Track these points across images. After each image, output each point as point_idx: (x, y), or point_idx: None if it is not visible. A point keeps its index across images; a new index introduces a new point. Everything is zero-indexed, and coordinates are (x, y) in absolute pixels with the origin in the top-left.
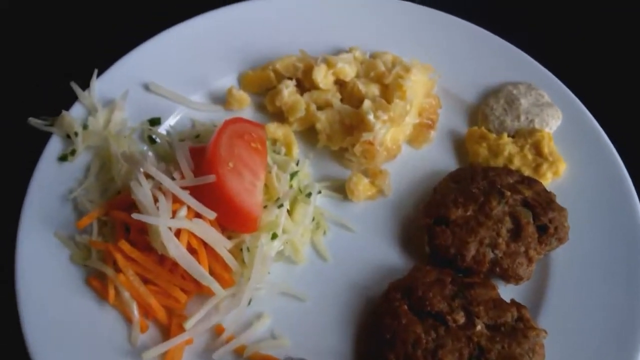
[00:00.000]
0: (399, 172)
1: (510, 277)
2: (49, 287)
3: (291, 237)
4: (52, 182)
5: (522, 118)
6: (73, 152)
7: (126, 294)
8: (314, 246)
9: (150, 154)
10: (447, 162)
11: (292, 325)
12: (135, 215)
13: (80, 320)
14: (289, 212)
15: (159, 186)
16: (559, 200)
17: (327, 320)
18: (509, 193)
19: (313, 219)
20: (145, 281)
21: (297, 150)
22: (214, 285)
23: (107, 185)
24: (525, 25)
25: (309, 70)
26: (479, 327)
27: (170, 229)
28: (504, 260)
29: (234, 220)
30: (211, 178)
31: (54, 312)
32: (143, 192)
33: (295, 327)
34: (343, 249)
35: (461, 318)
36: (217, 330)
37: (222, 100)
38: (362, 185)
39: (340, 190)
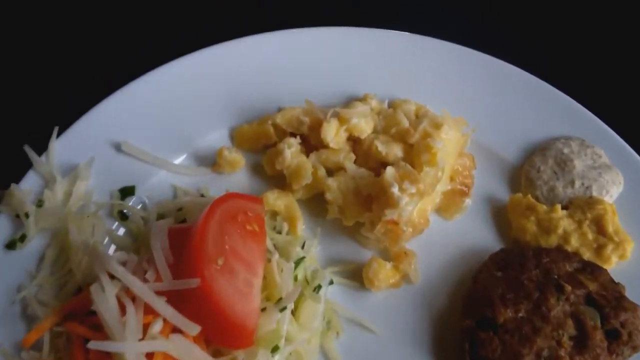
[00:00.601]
0: (427, 251)
1: None
2: None
3: (296, 347)
4: None
5: (577, 184)
6: (23, 238)
7: None
8: (324, 354)
9: (121, 230)
10: (485, 238)
11: None
12: (92, 344)
13: None
14: (293, 313)
15: (127, 290)
16: (629, 292)
17: None
18: (569, 288)
19: (323, 318)
20: None
21: (302, 226)
22: None
23: (64, 280)
24: (577, 69)
25: (316, 126)
26: None
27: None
28: None
29: (223, 334)
30: (194, 282)
31: None
32: (106, 302)
33: None
34: (360, 356)
35: None
36: None
37: (210, 160)
38: (383, 273)
39: (356, 277)
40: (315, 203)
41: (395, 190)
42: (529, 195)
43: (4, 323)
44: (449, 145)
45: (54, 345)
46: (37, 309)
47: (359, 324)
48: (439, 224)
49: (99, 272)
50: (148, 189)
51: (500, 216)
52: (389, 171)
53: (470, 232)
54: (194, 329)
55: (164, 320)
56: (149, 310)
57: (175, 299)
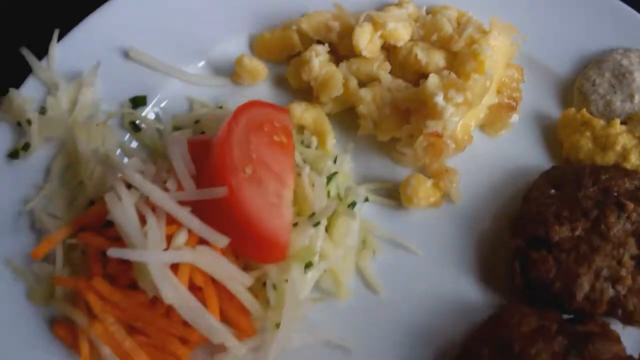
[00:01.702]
0: (469, 170)
1: (635, 322)
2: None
3: (331, 265)
4: None
5: (637, 98)
6: (26, 147)
7: (105, 350)
8: (360, 274)
9: (134, 144)
10: (533, 157)
11: None
12: (111, 252)
13: None
14: (327, 229)
15: (146, 200)
16: None
17: None
18: (631, 205)
19: (358, 237)
20: (131, 330)
21: (332, 141)
22: (229, 340)
23: (74, 192)
24: None
25: (347, 33)
26: None
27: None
28: (629, 299)
29: (254, 247)
30: (221, 191)
31: None
32: (123, 210)
33: None
34: (399, 277)
35: None
36: None
37: (229, 71)
38: (423, 191)
39: (393, 194)
40: (346, 118)
41: (439, 99)
42: (584, 110)
43: (12, 237)
44: (497, 54)
45: (68, 259)
46: (46, 221)
47: (396, 244)
48: (482, 141)
49: (114, 181)
50: (161, 101)
51: (550, 134)
52: (432, 79)
53: (517, 151)
54: (223, 240)
55: (189, 232)
56: (171, 222)
57: (199, 211)
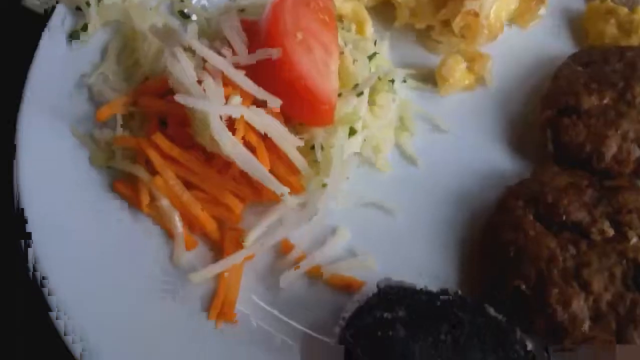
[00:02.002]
0: (501, 57)
1: None
2: (64, 199)
3: (373, 134)
4: (59, 67)
5: None
6: (85, 28)
7: (165, 202)
8: (399, 149)
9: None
10: (561, 46)
11: (379, 243)
12: (178, 97)
13: (106, 236)
14: (369, 105)
15: (203, 66)
16: None
17: (423, 236)
18: None
19: (397, 115)
20: (189, 186)
21: (370, 29)
22: (280, 189)
23: (130, 71)
24: None
25: None
26: (634, 240)
27: (222, 118)
28: None
29: (304, 108)
30: (275, 52)
31: (72, 229)
32: (182, 69)
33: (383, 246)
34: (436, 151)
35: (609, 230)
36: (284, 249)
37: None
38: (458, 71)
39: (429, 79)
40: (382, 10)
41: None
42: (608, 0)
43: (74, 108)
44: None
45: (127, 126)
46: (106, 92)
47: (433, 124)
48: (512, 32)
49: (173, 47)
50: None
51: (576, 25)
52: None
53: (545, 40)
54: (276, 101)
55: (244, 93)
56: (227, 84)
57: (253, 76)
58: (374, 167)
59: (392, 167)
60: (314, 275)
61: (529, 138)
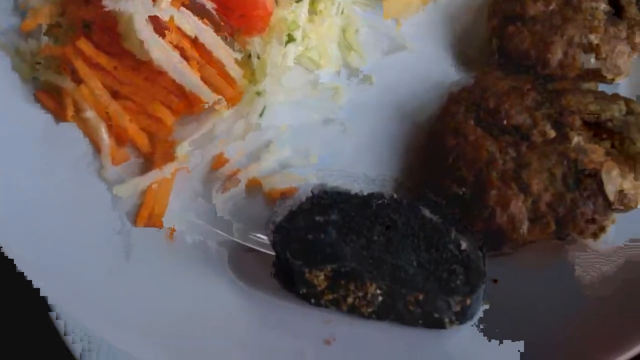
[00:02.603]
0: None
1: (607, 70)
2: None
3: (314, 44)
4: None
5: None
6: None
7: (91, 113)
8: (344, 61)
9: None
10: None
11: (322, 154)
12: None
13: (29, 150)
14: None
15: None
16: None
17: (366, 150)
18: None
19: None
20: (117, 96)
21: None
22: (213, 98)
23: None
24: None
25: None
26: (575, 141)
27: (149, 22)
28: (601, 47)
29: (238, 11)
30: None
31: None
32: None
33: (326, 157)
34: (381, 66)
35: (551, 132)
36: (218, 163)
37: None
38: None
39: None
40: None
41: None
42: None
43: None
44: None
45: (53, 35)
46: (32, 1)
47: (377, 40)
48: None
49: None
50: None
51: None
52: None
53: None
54: (208, 3)
55: None
56: None
57: None
58: (316, 82)
59: (335, 82)
60: (251, 189)
61: (477, 50)
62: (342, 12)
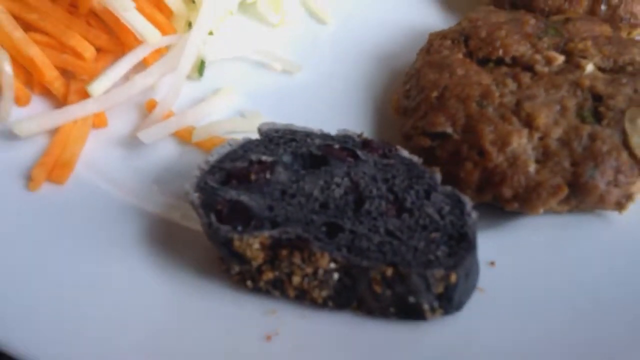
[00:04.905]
0: None
1: (621, 19)
2: None
3: None
4: None
5: None
6: None
7: None
8: (305, 5)
9: None
10: None
11: (275, 105)
12: None
13: None
14: None
15: None
16: None
17: (331, 98)
18: None
19: None
20: (26, 27)
21: None
22: (139, 22)
23: None
24: None
25: None
26: (589, 68)
27: None
28: None
29: None
30: None
31: None
32: None
33: (280, 109)
34: (350, 9)
35: (558, 58)
36: (148, 107)
37: None
38: None
39: None
40: None
41: None
42: None
43: None
44: None
45: None
46: None
47: None
48: None
49: None
50: None
51: None
52: None
53: None
54: None
55: None
56: None
57: None
58: (271, 23)
59: (295, 24)
60: (183, 138)
61: None
62: None
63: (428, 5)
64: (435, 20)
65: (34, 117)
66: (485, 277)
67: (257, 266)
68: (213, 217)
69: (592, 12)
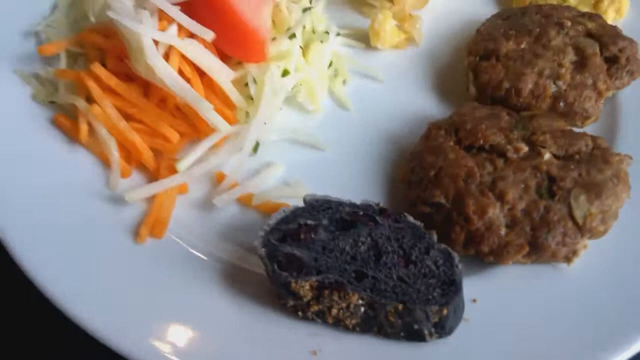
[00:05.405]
0: (431, 21)
1: (575, 113)
2: (8, 131)
3: (305, 78)
4: (9, 16)
5: None
6: None
7: (102, 131)
8: (332, 95)
9: None
10: (487, 10)
11: (310, 176)
12: (111, 13)
13: (47, 164)
14: (303, 53)
15: (142, 4)
16: None
17: (354, 170)
18: (569, 23)
19: (331, 64)
20: (127, 118)
21: None
22: (213, 116)
23: (78, 24)
24: None
25: None
26: (546, 156)
27: (157, 48)
28: (569, 93)
29: (237, 42)
30: None
31: (15, 157)
32: (122, 3)
33: (314, 178)
34: (368, 98)
35: (524, 147)
36: (217, 179)
37: None
38: (389, 26)
39: (362, 38)
40: None
41: None
42: None
43: (19, 53)
44: None
45: (71, 65)
46: (52, 36)
47: (366, 75)
48: (442, 1)
49: None
50: None
51: None
52: None
53: (471, 5)
54: (208, 33)
55: (179, 27)
56: (162, 18)
57: (190, 12)
58: (308, 110)
59: (326, 110)
60: (245, 203)
61: (454, 87)
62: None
63: (429, 97)
64: (434, 109)
65: (138, 187)
66: (469, 310)
67: (306, 301)
68: (275, 266)
69: (553, 107)
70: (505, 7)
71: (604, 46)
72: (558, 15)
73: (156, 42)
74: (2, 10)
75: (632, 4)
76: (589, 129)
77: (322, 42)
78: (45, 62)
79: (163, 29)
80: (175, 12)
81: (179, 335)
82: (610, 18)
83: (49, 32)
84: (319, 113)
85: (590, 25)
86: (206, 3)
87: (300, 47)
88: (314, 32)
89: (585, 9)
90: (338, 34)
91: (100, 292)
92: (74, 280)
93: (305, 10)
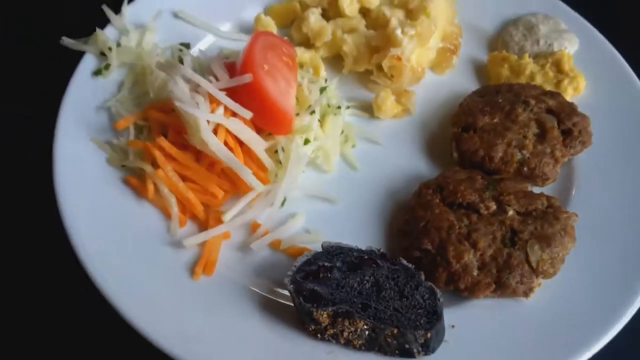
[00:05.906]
0: (423, 95)
1: (537, 176)
2: (88, 189)
3: (322, 144)
4: (86, 95)
5: (541, 42)
6: (107, 67)
7: (165, 190)
8: (343, 157)
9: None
10: (469, 86)
11: (325, 224)
12: (176, 103)
13: (120, 216)
14: (320, 124)
15: (195, 89)
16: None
17: (360, 219)
18: (533, 102)
19: (342, 132)
20: (183, 179)
21: (323, 73)
22: (251, 178)
23: (140, 99)
24: None
25: (334, 1)
26: (510, 213)
27: (208, 124)
28: (531, 160)
29: (269, 120)
30: (247, 77)
31: (94, 209)
32: (181, 89)
33: (328, 226)
34: (372, 160)
35: (493, 206)
36: (253, 227)
37: (249, 30)
38: (389, 101)
39: (367, 109)
40: (334, 61)
41: (398, 32)
42: (504, 51)
43: (95, 125)
44: (439, 8)
45: (137, 137)
46: (122, 112)
47: (370, 140)
48: (433, 77)
49: (174, 75)
50: (200, 49)
51: (482, 71)
52: (393, 20)
53: (457, 83)
54: (247, 113)
55: (225, 108)
56: (213, 102)
57: (232, 96)
58: (323, 170)
59: (337, 170)
60: (275, 246)
61: (441, 150)
62: (343, 123)
63: (421, 160)
64: (425, 170)
65: (193, 235)
66: (449, 333)
67: (324, 326)
68: (301, 299)
69: (519, 171)
70: (484, 84)
71: (561, 121)
72: (525, 94)
73: (207, 121)
74: (81, 90)
75: (587, 82)
76: (548, 188)
77: (335, 115)
78: (116, 132)
79: (213, 111)
80: (222, 96)
81: (222, 351)
82: (569, 94)
83: (117, 107)
84: (333, 172)
85: (551, 102)
86: (246, 89)
87: (319, 120)
88: (329, 106)
89: (548, 87)
90: (348, 107)
91: (166, 317)
92: (147, 308)
93: (322, 90)
